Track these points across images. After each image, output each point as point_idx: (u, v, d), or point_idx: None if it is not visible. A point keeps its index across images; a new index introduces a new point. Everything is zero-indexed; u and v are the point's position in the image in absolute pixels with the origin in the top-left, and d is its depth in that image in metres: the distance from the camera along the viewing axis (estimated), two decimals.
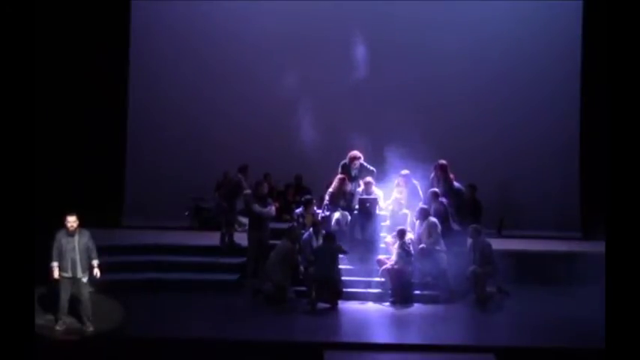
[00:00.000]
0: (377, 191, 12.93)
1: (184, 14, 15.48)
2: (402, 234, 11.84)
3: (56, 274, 9.89)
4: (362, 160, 13.20)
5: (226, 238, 13.12)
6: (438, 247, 11.93)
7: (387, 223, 12.68)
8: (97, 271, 10.09)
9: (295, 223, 12.55)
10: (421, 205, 12.34)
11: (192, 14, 15.51)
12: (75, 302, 10.07)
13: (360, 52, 15.12)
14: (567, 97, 15.60)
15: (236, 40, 15.51)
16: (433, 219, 12.04)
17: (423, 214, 12.06)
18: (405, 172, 13.02)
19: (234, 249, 12.93)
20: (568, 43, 15.55)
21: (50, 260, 9.89)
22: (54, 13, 13.88)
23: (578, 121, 15.59)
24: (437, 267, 11.86)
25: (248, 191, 12.77)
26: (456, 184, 12.95)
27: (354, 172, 13.14)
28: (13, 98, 8.30)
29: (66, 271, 9.93)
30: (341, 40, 15.27)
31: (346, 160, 13.19)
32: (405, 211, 12.54)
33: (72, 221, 9.97)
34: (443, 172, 12.90)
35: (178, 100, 15.49)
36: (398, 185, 13.00)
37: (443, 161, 12.97)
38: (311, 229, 12.16)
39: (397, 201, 12.57)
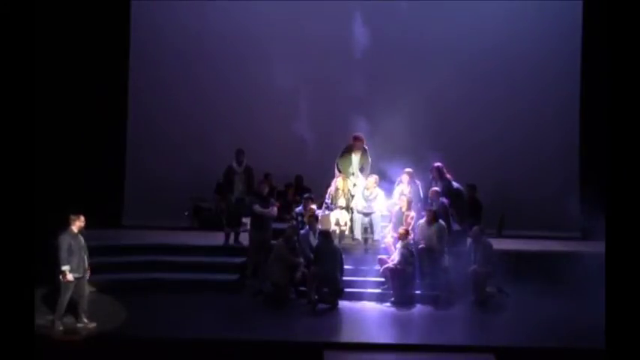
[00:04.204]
0: (377, 191, 12.94)
1: (185, 15, 15.47)
2: (405, 234, 11.83)
3: (70, 277, 9.95)
4: (365, 145, 13.19)
5: (232, 237, 13.13)
6: (438, 246, 11.90)
7: (390, 223, 12.66)
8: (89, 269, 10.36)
9: (294, 222, 12.57)
10: (429, 207, 12.29)
11: (192, 15, 15.51)
12: (73, 301, 10.11)
13: (360, 52, 15.14)
14: (567, 97, 15.61)
15: (236, 40, 15.51)
16: (442, 223, 12.01)
17: (432, 217, 12.02)
18: (408, 170, 13.03)
19: (236, 248, 12.93)
20: (568, 42, 15.55)
21: (61, 263, 9.94)
22: (54, 13, 13.85)
23: (578, 120, 15.61)
24: (438, 267, 11.85)
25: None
26: (455, 184, 12.97)
27: (355, 158, 13.11)
28: (13, 98, 8.29)
29: (77, 271, 10.05)
30: (340, 41, 15.30)
31: (350, 143, 13.18)
32: (412, 213, 12.46)
33: (83, 221, 10.16)
34: (439, 173, 12.93)
35: (178, 100, 15.49)
36: (401, 183, 13.01)
37: (438, 163, 13.00)
38: (307, 226, 12.18)
39: (406, 199, 12.48)
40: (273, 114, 15.35)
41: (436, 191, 12.55)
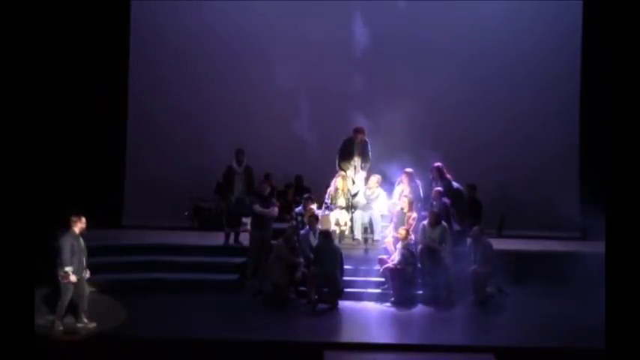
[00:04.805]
0: (379, 191, 12.94)
1: (185, 15, 15.46)
2: (406, 234, 11.82)
3: (73, 278, 9.95)
4: (366, 137, 13.17)
5: (232, 237, 13.14)
6: (441, 247, 11.89)
7: (390, 224, 12.65)
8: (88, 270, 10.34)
9: (294, 222, 12.57)
10: (432, 209, 12.28)
11: (192, 15, 15.49)
12: (73, 301, 10.11)
13: (360, 52, 15.15)
14: (567, 97, 15.60)
15: (236, 40, 15.51)
16: (445, 224, 11.99)
17: (436, 219, 11.99)
18: (408, 170, 13.03)
19: (236, 248, 12.94)
20: (568, 42, 15.54)
21: (64, 264, 9.92)
22: (54, 13, 13.86)
23: (578, 121, 15.60)
24: (438, 267, 11.84)
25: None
26: (455, 184, 12.97)
27: (356, 152, 13.11)
28: (13, 98, 8.29)
29: (77, 272, 10.05)
30: (340, 41, 15.31)
31: (351, 135, 13.16)
32: (414, 214, 12.44)
33: (84, 222, 10.18)
34: (439, 173, 12.93)
35: (178, 100, 15.48)
36: (401, 183, 13.01)
37: (438, 163, 13.01)
38: (307, 226, 12.18)
39: (407, 200, 12.43)
40: (273, 114, 15.35)
41: (439, 191, 12.53)
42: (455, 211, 12.58)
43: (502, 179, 15.23)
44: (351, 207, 12.91)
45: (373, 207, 12.87)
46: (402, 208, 12.46)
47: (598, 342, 8.69)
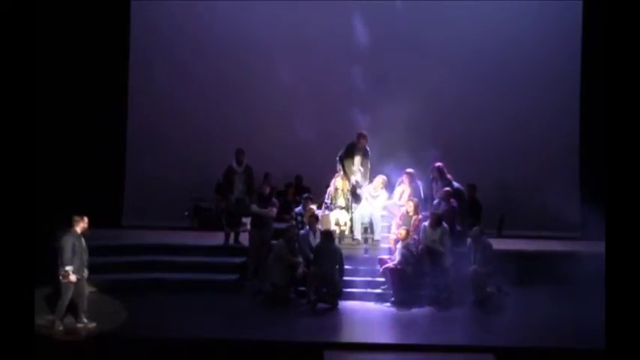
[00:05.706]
0: (381, 192, 12.94)
1: (184, 15, 15.47)
2: (406, 234, 11.82)
3: (73, 277, 9.95)
4: (367, 145, 13.17)
5: (232, 237, 13.14)
6: (441, 248, 11.90)
7: (392, 223, 12.63)
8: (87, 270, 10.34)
9: (294, 222, 12.57)
10: (435, 210, 12.26)
11: (192, 15, 15.50)
12: (73, 301, 10.11)
13: (360, 52, 15.15)
14: (567, 97, 15.60)
15: (236, 40, 15.50)
16: (446, 226, 11.99)
17: (437, 221, 11.97)
18: (409, 170, 13.03)
19: (236, 248, 12.94)
20: (568, 42, 15.54)
21: (65, 264, 9.92)
22: (54, 13, 13.87)
23: (578, 120, 15.60)
24: (439, 268, 11.84)
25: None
26: (455, 184, 12.97)
27: (357, 157, 13.10)
28: (14, 99, 8.30)
29: (78, 272, 10.05)
30: (340, 41, 15.31)
31: (354, 140, 13.16)
32: (419, 216, 12.40)
33: (86, 222, 10.19)
34: (439, 173, 12.93)
35: (178, 100, 15.48)
36: (402, 184, 13.00)
37: (439, 163, 13.01)
38: (308, 226, 12.18)
39: (413, 204, 12.39)
40: (272, 114, 15.35)
41: (448, 192, 12.49)
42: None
43: (502, 179, 15.24)
44: (350, 206, 12.89)
45: (373, 205, 12.83)
46: (407, 211, 12.43)
47: (598, 342, 8.69)
